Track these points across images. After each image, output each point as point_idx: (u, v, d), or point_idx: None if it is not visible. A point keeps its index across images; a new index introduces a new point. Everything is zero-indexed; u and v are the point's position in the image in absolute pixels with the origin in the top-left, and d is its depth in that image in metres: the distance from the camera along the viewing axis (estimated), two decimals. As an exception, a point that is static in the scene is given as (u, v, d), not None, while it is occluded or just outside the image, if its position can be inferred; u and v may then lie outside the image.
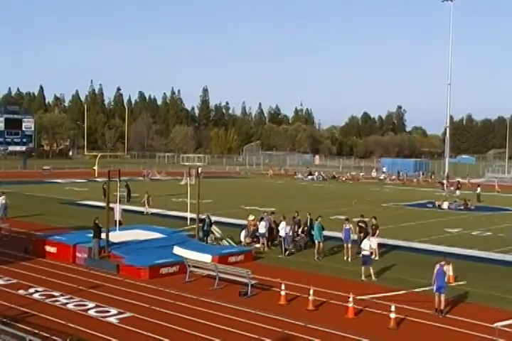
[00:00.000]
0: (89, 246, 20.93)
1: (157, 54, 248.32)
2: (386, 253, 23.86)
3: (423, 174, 76.22)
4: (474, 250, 24.91)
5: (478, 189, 47.74)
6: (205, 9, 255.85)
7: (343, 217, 27.77)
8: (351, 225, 23.11)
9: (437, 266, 15.92)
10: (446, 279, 15.99)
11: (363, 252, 19.61)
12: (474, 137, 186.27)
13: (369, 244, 19.73)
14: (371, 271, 19.38)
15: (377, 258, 22.87)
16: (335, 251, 23.85)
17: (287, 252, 23.43)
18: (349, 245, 22.69)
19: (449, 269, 16.10)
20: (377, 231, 23.65)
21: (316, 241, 23.02)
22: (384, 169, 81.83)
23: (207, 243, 24.13)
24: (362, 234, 23.55)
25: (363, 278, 19.33)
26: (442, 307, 15.60)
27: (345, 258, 22.49)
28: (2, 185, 41.08)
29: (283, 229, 23.51)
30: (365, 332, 14.12)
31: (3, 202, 31.54)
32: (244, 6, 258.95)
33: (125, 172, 43.16)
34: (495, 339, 13.51)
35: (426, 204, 43.33)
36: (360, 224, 23.87)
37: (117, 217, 27.47)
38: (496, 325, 13.95)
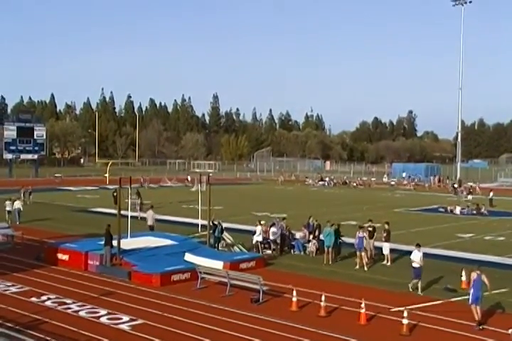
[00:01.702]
0: (101, 254, 20.99)
1: (167, 61, 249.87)
2: (398, 259, 23.72)
3: (439, 180, 74.89)
4: (487, 255, 24.70)
5: (491, 194, 47.46)
6: (214, 16, 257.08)
7: (354, 223, 27.74)
8: (365, 233, 22.84)
9: (474, 275, 15.04)
10: (484, 288, 15.10)
11: (414, 264, 18.49)
12: (486, 141, 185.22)
13: (419, 256, 18.47)
14: (413, 282, 18.59)
15: (389, 263, 22.79)
16: (346, 257, 23.72)
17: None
18: (362, 253, 22.17)
19: (485, 278, 15.05)
20: (375, 235, 23.59)
21: (326, 247, 22.96)
22: (404, 174, 79.69)
23: (218, 249, 24.14)
24: (371, 240, 23.54)
25: (419, 292, 18.26)
26: (479, 317, 14.95)
27: (357, 267, 21.93)
28: (11, 193, 41.17)
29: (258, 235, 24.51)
30: (378, 338, 14.05)
31: (17, 207, 33.21)
32: (252, 12, 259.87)
33: (136, 180, 43.37)
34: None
35: (438, 209, 43.10)
36: (368, 229, 23.76)
37: (150, 222, 27.91)
38: (510, 331, 13.83)
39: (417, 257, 18.44)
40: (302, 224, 26.18)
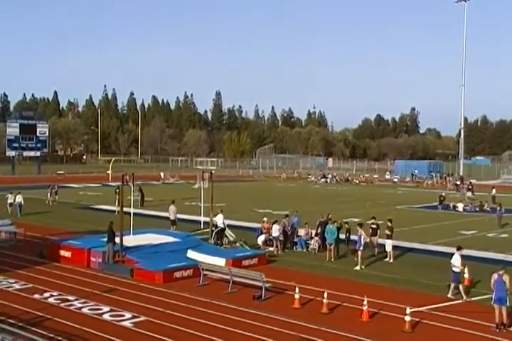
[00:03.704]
0: (103, 251, 21.01)
1: (170, 58, 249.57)
2: (401, 256, 23.74)
3: (446, 177, 74.12)
4: (490, 252, 24.67)
5: (494, 190, 47.25)
6: (216, 13, 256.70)
7: (356, 220, 27.73)
8: (362, 231, 22.27)
9: (495, 276, 14.72)
10: (508, 289, 14.65)
11: (453, 269, 17.47)
12: (489, 138, 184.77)
13: (459, 259, 17.45)
14: (461, 288, 17.42)
15: (391, 260, 22.78)
16: (348, 254, 23.67)
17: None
18: (359, 252, 21.62)
19: (507, 278, 14.60)
20: (379, 232, 23.45)
21: (328, 245, 22.96)
22: (416, 171, 77.61)
23: (220, 246, 24.16)
24: (375, 237, 23.54)
25: (464, 297, 17.06)
26: (505, 320, 14.52)
27: (357, 267, 21.39)
28: (14, 189, 41.15)
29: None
30: (380, 335, 14.04)
31: (19, 200, 35.33)
32: (254, 9, 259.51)
33: (139, 177, 43.33)
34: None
35: (437, 206, 42.94)
36: (372, 226, 23.74)
37: (172, 216, 28.33)
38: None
39: (458, 261, 17.52)
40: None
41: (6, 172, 74.48)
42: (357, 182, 71.85)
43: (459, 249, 17.96)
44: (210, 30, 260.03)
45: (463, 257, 18.02)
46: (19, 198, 35.28)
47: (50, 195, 41.93)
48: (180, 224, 30.53)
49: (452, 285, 17.48)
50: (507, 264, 22.22)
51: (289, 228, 25.31)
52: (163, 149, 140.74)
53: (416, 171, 78.11)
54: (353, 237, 23.55)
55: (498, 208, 33.70)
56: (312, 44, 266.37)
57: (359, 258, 21.64)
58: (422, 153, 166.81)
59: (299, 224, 25.91)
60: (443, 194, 45.71)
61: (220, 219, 25.31)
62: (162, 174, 71.59)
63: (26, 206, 36.11)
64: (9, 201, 35.61)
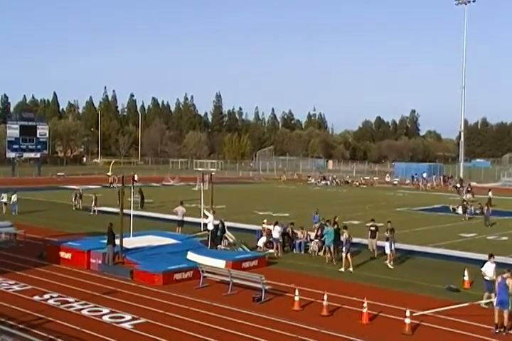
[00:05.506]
0: (103, 252, 21.01)
1: (170, 60, 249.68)
2: (401, 258, 23.72)
3: (446, 180, 73.81)
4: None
5: (490, 193, 46.99)
6: (217, 15, 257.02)
7: (356, 222, 27.70)
8: (348, 234, 22.06)
9: (499, 279, 14.73)
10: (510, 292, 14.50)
11: (486, 277, 16.56)
12: (489, 141, 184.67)
13: (492, 268, 16.48)
14: (486, 296, 16.58)
15: (391, 263, 22.75)
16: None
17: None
18: (348, 255, 21.57)
19: (511, 282, 14.45)
20: (377, 234, 23.34)
21: (326, 247, 22.95)
22: (424, 175, 76.53)
23: (221, 248, 24.12)
24: (374, 240, 23.54)
25: (482, 304, 16.50)
26: (506, 323, 14.43)
27: (344, 269, 21.34)
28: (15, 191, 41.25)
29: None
30: (380, 337, 14.04)
31: (15, 200, 37.08)
32: (255, 11, 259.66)
33: (139, 178, 43.30)
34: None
35: (440, 208, 42.97)
36: (371, 228, 23.72)
37: (179, 217, 28.64)
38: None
39: (490, 270, 16.56)
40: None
41: (6, 174, 74.47)
42: (357, 184, 71.78)
43: (490, 256, 16.81)
44: (211, 32, 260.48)
45: (497, 265, 16.94)
46: (14, 198, 36.95)
47: (75, 199, 41.21)
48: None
49: (486, 295, 16.58)
50: (507, 267, 22.32)
51: (298, 234, 25.53)
52: (163, 151, 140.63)
53: (424, 174, 77.45)
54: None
55: (486, 208, 35.14)
56: (312, 46, 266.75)
57: (344, 259, 21.53)
58: (422, 156, 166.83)
59: (318, 221, 26.35)
60: (466, 198, 45.04)
61: (210, 221, 24.54)
62: (136, 177, 67.39)
63: (27, 207, 36.17)
64: (4, 200, 37.48)
